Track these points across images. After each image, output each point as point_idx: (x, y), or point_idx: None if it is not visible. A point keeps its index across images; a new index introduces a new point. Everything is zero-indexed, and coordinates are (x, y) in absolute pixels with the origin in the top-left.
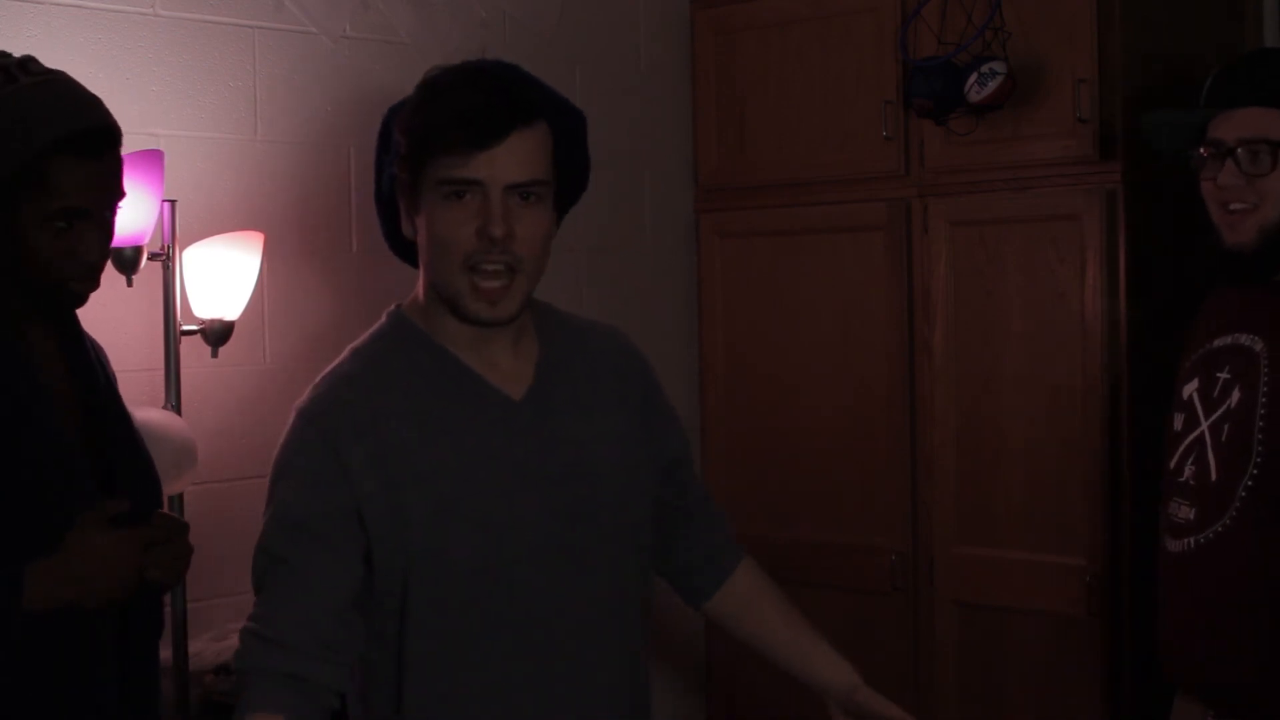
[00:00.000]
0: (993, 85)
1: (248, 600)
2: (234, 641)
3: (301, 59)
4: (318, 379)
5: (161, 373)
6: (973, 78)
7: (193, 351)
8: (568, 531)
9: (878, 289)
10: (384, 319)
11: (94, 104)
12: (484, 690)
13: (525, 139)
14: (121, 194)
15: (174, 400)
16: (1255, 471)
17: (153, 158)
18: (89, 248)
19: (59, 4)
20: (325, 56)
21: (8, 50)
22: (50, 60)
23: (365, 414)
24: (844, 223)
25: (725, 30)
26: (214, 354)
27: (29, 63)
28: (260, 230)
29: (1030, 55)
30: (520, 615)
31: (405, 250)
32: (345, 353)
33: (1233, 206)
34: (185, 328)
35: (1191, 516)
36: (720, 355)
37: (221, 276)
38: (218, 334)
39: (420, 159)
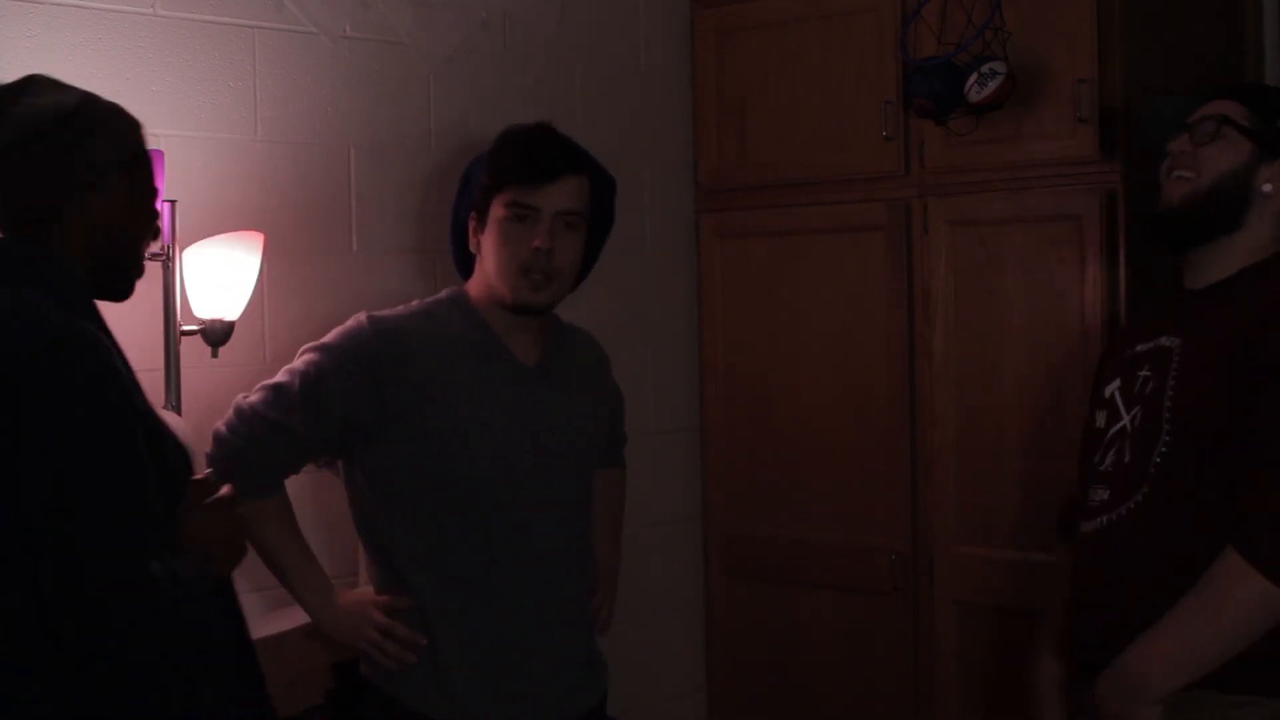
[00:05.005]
0: (993, 85)
1: (251, 599)
2: None
3: (301, 59)
4: (381, 310)
5: (161, 373)
6: (973, 78)
7: (193, 352)
8: (547, 461)
9: (878, 289)
10: (443, 293)
11: None
12: (479, 565)
13: (572, 182)
14: None
15: (174, 400)
16: (1164, 450)
17: (153, 158)
18: (157, 232)
19: (59, 4)
20: (325, 56)
21: (7, 50)
22: (51, 60)
23: (417, 340)
24: (844, 223)
25: (725, 30)
26: (214, 354)
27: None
28: (260, 230)
29: (1030, 55)
30: (508, 513)
31: (464, 268)
32: (411, 303)
33: (1175, 174)
34: (185, 328)
35: (1105, 497)
36: (720, 355)
37: (221, 276)
38: (218, 334)
39: (497, 187)
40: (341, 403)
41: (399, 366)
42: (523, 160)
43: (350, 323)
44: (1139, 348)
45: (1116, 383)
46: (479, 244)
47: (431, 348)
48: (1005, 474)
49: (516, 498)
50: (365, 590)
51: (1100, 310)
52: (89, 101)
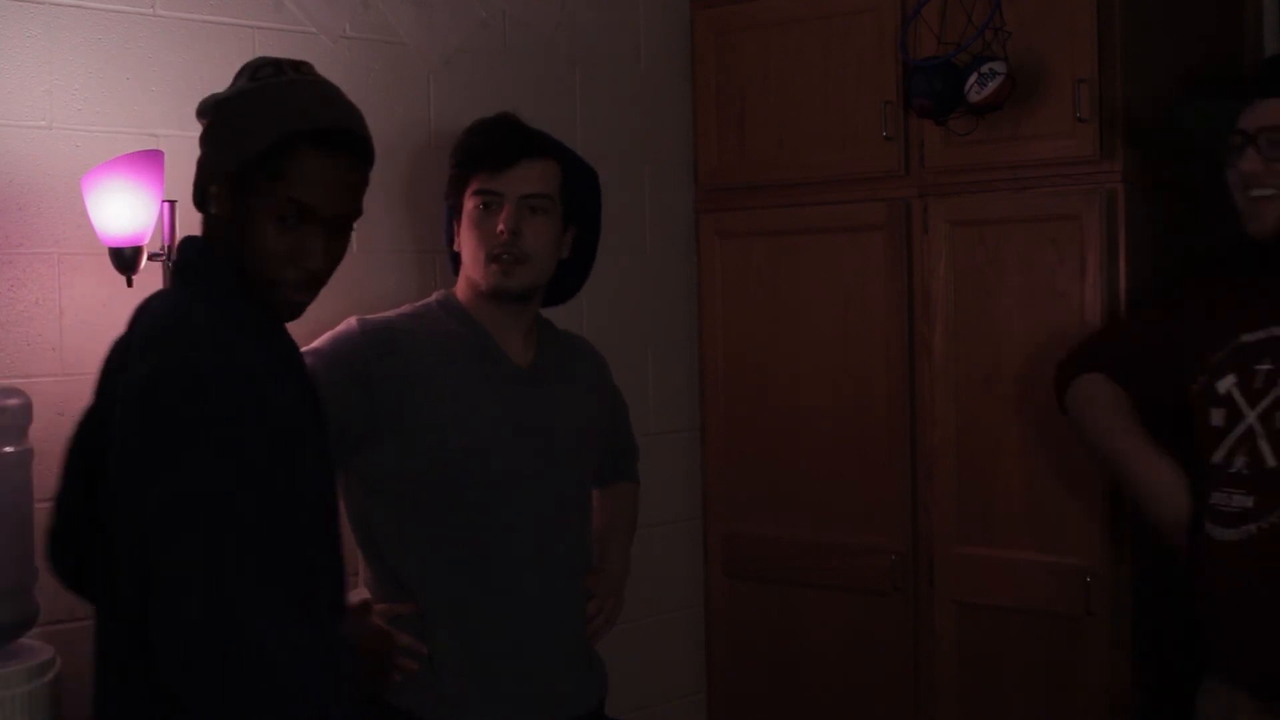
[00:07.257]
0: (993, 85)
1: None
2: None
3: (301, 59)
4: (371, 315)
5: None
6: (973, 78)
7: None
8: (540, 461)
9: (878, 289)
10: (432, 296)
11: (349, 111)
12: (475, 567)
13: (534, 165)
14: (358, 211)
15: None
16: None
17: (153, 158)
18: (311, 253)
19: (59, 4)
20: (325, 56)
21: (7, 50)
22: (50, 60)
23: (408, 341)
24: (844, 223)
25: (725, 30)
26: None
27: (303, 65)
28: None
29: (1030, 55)
30: (503, 513)
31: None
32: (401, 307)
33: (1253, 192)
34: None
35: (1250, 504)
36: (720, 355)
37: None
38: None
39: (464, 179)
40: (336, 407)
41: (390, 367)
42: (482, 148)
43: (340, 327)
44: (1246, 337)
45: (1231, 379)
46: (461, 243)
47: (423, 348)
48: (1005, 474)
49: (510, 498)
50: (361, 594)
51: (1100, 310)
52: (242, 91)
